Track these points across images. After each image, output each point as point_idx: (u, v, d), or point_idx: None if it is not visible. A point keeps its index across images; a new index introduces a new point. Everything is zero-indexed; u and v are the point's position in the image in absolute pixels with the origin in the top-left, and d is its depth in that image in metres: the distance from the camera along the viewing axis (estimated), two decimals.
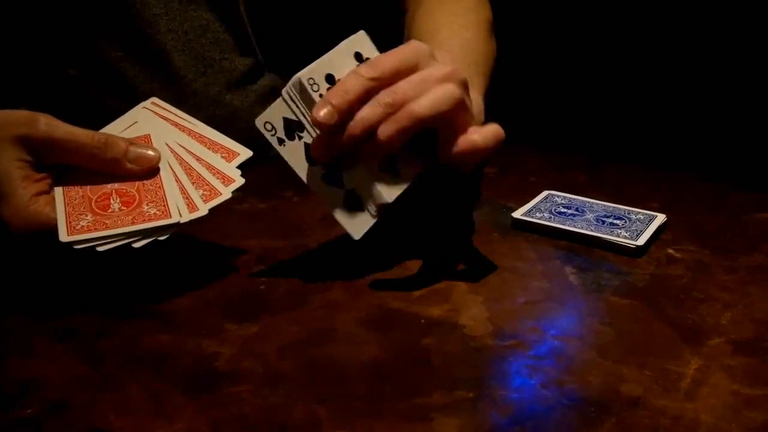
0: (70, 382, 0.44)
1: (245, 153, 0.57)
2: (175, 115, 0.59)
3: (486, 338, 0.48)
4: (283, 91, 0.51)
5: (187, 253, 0.60)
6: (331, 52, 0.52)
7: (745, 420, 0.41)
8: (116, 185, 0.53)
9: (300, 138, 0.52)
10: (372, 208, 0.53)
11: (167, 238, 0.51)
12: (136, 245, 0.50)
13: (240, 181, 0.55)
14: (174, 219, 0.51)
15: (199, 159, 0.55)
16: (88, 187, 0.53)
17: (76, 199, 0.52)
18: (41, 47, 0.72)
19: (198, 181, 0.54)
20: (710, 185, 0.75)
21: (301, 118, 0.52)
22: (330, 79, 0.51)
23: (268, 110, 0.52)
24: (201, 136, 0.57)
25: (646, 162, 0.81)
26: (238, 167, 0.56)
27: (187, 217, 0.52)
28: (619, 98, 1.06)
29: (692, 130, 0.93)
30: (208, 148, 0.56)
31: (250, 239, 0.62)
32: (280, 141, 0.53)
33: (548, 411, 0.41)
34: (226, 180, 0.54)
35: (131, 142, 0.54)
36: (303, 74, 0.51)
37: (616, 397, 0.42)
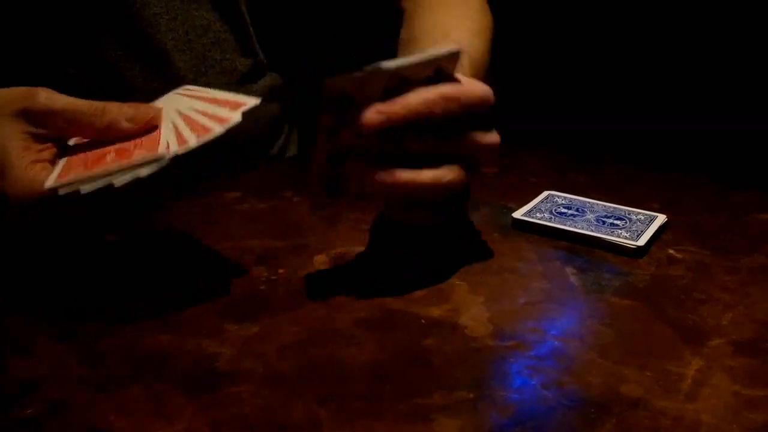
0: (70, 383, 0.44)
1: (251, 101, 0.53)
2: (198, 90, 0.57)
3: (486, 339, 0.48)
4: (366, 68, 0.48)
5: (187, 253, 0.60)
6: (421, 56, 0.50)
7: (746, 421, 0.41)
8: (117, 145, 0.52)
9: (341, 113, 0.50)
10: (348, 196, 0.52)
11: (151, 175, 0.49)
12: (117, 182, 0.48)
13: (236, 119, 0.50)
14: (160, 152, 0.49)
15: (204, 113, 0.53)
16: (90, 151, 0.52)
17: (75, 161, 0.51)
18: (41, 46, 0.72)
19: (194, 125, 0.51)
20: (711, 185, 0.75)
21: (357, 99, 0.49)
22: (404, 82, 0.49)
23: (343, 76, 0.49)
24: (214, 98, 0.55)
25: (646, 162, 0.81)
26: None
27: (174, 149, 0.49)
28: (619, 98, 1.06)
29: (693, 131, 0.93)
30: (217, 104, 0.54)
31: (250, 239, 0.61)
32: (328, 106, 0.51)
33: (549, 412, 0.41)
34: (222, 121, 0.51)
35: (129, 104, 0.53)
36: (388, 65, 0.48)
37: (616, 398, 0.42)
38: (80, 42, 0.72)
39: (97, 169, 0.49)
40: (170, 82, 0.75)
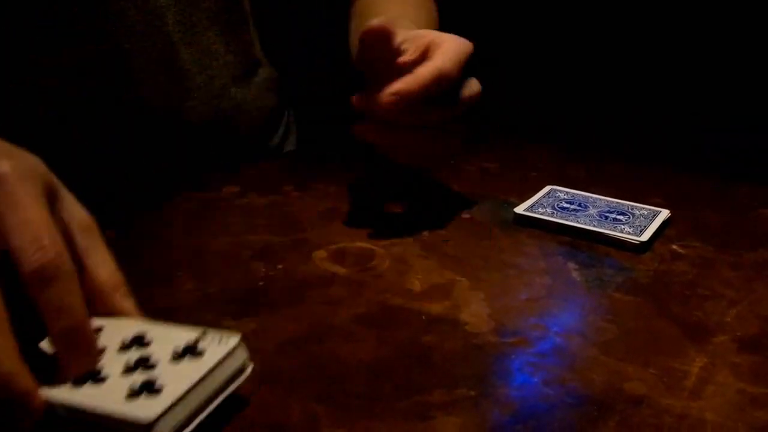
0: None
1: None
2: None
3: (487, 335, 0.47)
4: None
5: (185, 248, 0.60)
6: None
7: (751, 419, 0.40)
8: None
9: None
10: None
11: None
12: None
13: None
14: None
15: None
16: None
17: None
18: (52, 33, 0.71)
19: None
20: (715, 180, 0.74)
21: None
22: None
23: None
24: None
25: (649, 156, 0.80)
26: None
27: None
28: (622, 91, 1.05)
29: (697, 124, 0.92)
30: None
31: (249, 234, 0.61)
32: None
33: (550, 409, 0.41)
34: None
35: None
36: None
37: (619, 396, 0.42)
38: (93, 31, 0.71)
39: None
40: (175, 75, 0.75)
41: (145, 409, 0.35)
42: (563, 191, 0.67)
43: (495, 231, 0.62)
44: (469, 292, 0.52)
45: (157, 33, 0.73)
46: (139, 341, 0.41)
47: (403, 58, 0.59)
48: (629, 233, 0.59)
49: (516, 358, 0.45)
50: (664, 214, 0.63)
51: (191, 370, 0.38)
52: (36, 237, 0.37)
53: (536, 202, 0.65)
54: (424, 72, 0.56)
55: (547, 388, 0.42)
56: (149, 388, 0.37)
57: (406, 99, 0.55)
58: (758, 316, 0.50)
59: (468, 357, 0.45)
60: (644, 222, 0.61)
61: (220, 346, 0.40)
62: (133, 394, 0.37)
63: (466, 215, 0.65)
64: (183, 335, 0.41)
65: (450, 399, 0.41)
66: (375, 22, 0.56)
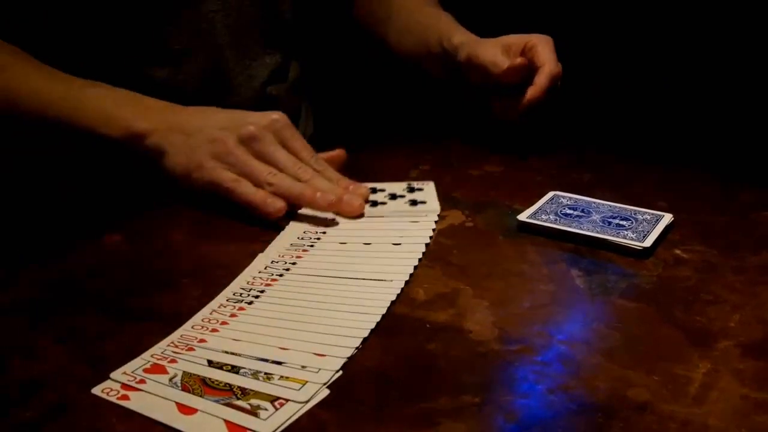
0: (72, 384, 0.43)
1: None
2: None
3: (492, 343, 0.48)
4: None
5: (188, 252, 0.60)
6: None
7: (755, 425, 0.40)
8: None
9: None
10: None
11: None
12: None
13: None
14: None
15: None
16: None
17: None
18: (109, 40, 0.72)
19: None
20: (718, 183, 0.74)
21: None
22: None
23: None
24: None
25: (652, 160, 0.81)
26: None
27: None
28: (624, 96, 1.05)
29: (699, 128, 0.92)
30: None
31: (253, 239, 0.61)
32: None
33: (555, 416, 0.41)
34: None
35: None
36: None
37: (623, 402, 0.42)
38: (149, 34, 0.73)
39: None
40: (219, 78, 0.78)
41: (430, 207, 0.67)
42: (566, 197, 0.68)
43: (498, 239, 0.62)
44: (473, 300, 0.53)
45: (206, 35, 0.76)
46: (375, 190, 0.70)
47: (511, 65, 0.77)
48: (632, 239, 0.59)
49: (520, 366, 0.45)
50: (667, 218, 0.63)
51: (428, 194, 0.70)
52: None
53: (539, 208, 0.65)
54: (543, 80, 0.76)
55: (552, 395, 0.43)
56: (416, 203, 0.68)
57: (536, 104, 0.76)
58: (762, 320, 0.50)
59: (473, 364, 0.45)
60: (647, 227, 0.61)
61: (427, 185, 0.72)
62: (412, 204, 0.68)
63: (469, 223, 0.65)
64: (396, 184, 0.72)
65: (455, 406, 0.42)
66: (513, 62, 0.77)
